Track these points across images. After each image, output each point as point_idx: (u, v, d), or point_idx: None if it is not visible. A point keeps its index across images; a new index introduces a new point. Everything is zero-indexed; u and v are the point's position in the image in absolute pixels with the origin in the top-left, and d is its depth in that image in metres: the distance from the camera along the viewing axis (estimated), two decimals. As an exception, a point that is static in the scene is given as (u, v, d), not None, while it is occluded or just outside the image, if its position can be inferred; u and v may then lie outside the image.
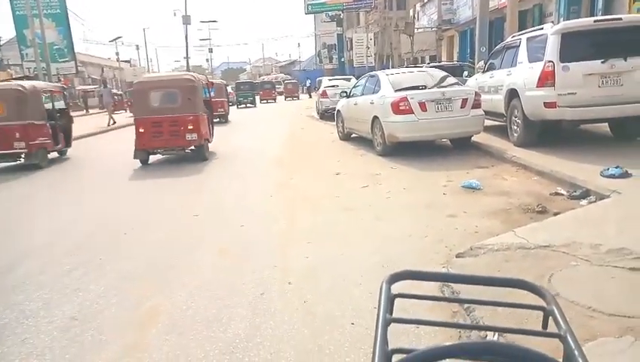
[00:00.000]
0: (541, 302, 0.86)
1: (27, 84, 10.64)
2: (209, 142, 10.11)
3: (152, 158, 9.58)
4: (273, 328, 2.82)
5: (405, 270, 1.17)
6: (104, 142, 15.12)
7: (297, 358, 2.52)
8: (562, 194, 5.13)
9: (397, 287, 0.97)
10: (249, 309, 3.07)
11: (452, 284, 2.83)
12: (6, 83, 12.29)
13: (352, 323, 2.80)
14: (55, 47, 29.70)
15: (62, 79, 30.20)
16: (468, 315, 2.68)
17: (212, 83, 13.16)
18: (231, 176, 7.98)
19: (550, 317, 0.82)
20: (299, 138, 12.92)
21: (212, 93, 12.40)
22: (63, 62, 30.83)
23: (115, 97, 26.75)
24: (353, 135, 10.79)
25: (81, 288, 3.56)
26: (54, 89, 11.80)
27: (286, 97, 39.27)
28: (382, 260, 3.74)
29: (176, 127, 9.07)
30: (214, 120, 12.37)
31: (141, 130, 9.08)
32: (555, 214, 4.45)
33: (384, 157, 8.24)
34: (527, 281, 1.09)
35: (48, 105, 10.81)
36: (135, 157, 9.22)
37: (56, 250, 4.53)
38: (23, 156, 9.66)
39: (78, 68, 34.28)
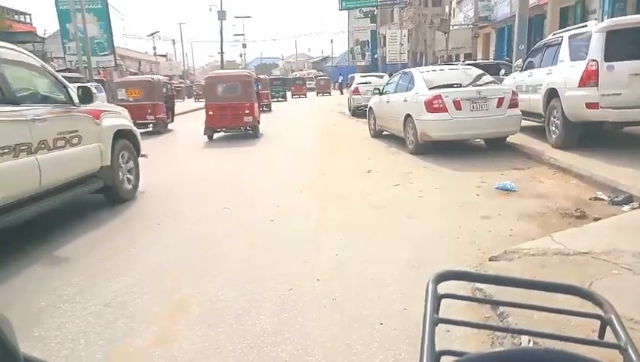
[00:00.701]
0: (597, 310, 0.82)
1: (154, 77, 16.34)
2: (259, 123, 12.92)
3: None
4: (301, 324, 2.81)
5: (451, 270, 1.13)
6: (183, 120, 18.25)
7: (324, 356, 2.50)
8: (603, 199, 4.93)
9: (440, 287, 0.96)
10: (277, 304, 3.07)
11: (484, 287, 2.75)
12: (141, 76, 18.92)
13: (381, 323, 2.76)
14: (96, 40, 30.54)
15: (101, 72, 31.11)
16: (501, 321, 2.61)
17: (260, 78, 17.23)
18: (272, 157, 9.60)
19: (608, 327, 0.77)
20: (331, 134, 12.90)
21: (260, 87, 15.91)
22: (103, 55, 31.65)
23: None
24: (385, 133, 10.68)
25: (118, 274, 3.64)
26: (167, 81, 17.05)
27: (318, 93, 39.89)
28: (412, 260, 3.68)
29: (236, 110, 11.98)
30: (262, 107, 16.74)
31: (210, 113, 12.11)
32: (595, 220, 4.28)
33: (416, 156, 8.12)
34: (581, 287, 1.04)
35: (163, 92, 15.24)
36: (204, 133, 12.27)
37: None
38: (151, 125, 14.21)
39: (117, 61, 35.20)
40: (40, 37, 34.83)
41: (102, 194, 5.81)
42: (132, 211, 5.68)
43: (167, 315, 3.02)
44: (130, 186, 6.19)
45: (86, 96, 5.27)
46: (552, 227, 4.18)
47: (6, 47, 4.37)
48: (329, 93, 40.07)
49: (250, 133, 12.83)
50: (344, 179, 6.88)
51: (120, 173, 5.91)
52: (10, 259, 4.10)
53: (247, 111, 12.03)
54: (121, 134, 5.97)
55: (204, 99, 13.89)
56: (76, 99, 5.19)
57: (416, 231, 4.41)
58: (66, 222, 5.18)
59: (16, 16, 38.22)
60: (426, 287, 1.05)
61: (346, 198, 5.79)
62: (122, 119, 6.22)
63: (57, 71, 16.39)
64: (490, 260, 3.43)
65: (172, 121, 16.12)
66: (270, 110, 22.84)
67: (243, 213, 5.39)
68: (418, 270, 3.50)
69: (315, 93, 40.53)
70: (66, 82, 5.23)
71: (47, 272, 3.81)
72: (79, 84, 6.30)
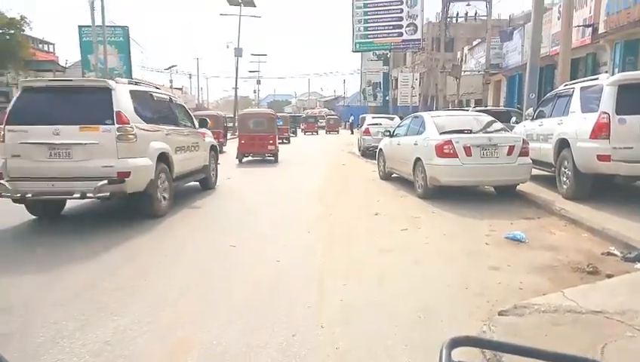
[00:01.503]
0: None
1: (220, 112, 24.38)
2: (278, 151, 16.15)
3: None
4: (303, 374, 2.73)
5: (467, 336, 1.10)
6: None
7: (326, 410, 2.41)
8: (615, 255, 4.83)
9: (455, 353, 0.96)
10: (279, 351, 2.99)
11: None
12: (211, 111, 26.67)
13: (385, 377, 2.67)
14: (115, 72, 31.40)
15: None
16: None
17: (282, 116, 25.48)
18: (283, 192, 9.88)
19: None
20: (340, 173, 12.95)
21: (281, 123, 22.18)
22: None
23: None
24: (394, 175, 10.69)
25: (121, 309, 3.59)
26: (224, 115, 23.03)
27: (327, 131, 42.88)
28: (419, 309, 3.59)
29: (262, 141, 15.57)
30: (281, 141, 21.61)
31: (242, 141, 15.72)
32: (608, 276, 4.18)
33: (425, 200, 8.08)
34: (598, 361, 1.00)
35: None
36: (237, 157, 15.88)
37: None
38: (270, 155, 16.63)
39: (134, 92, 36.05)
40: (61, 66, 35.90)
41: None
42: (144, 240, 5.66)
43: (166, 358, 2.95)
44: (214, 179, 10.06)
45: (201, 124, 9.32)
46: (564, 282, 4.09)
47: (174, 96, 9.15)
48: (337, 131, 42.84)
49: (271, 159, 16.12)
50: (352, 221, 6.84)
51: (211, 171, 9.74)
52: (15, 285, 4.07)
53: (270, 142, 15.66)
54: (212, 147, 9.86)
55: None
56: (196, 125, 9.11)
57: (424, 279, 4.33)
58: (68, 252, 5.17)
59: (40, 45, 39.52)
60: (439, 353, 1.01)
61: (353, 241, 5.74)
62: (212, 138, 10.24)
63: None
64: (499, 314, 3.33)
65: (225, 144, 20.94)
66: (289, 142, 26.95)
67: (249, 251, 5.34)
68: (424, 321, 3.41)
69: (324, 130, 42.90)
70: (192, 115, 9.30)
71: (50, 304, 3.77)
72: (199, 117, 9.81)
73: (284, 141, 25.32)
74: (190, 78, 62.37)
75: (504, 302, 3.58)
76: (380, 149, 11.46)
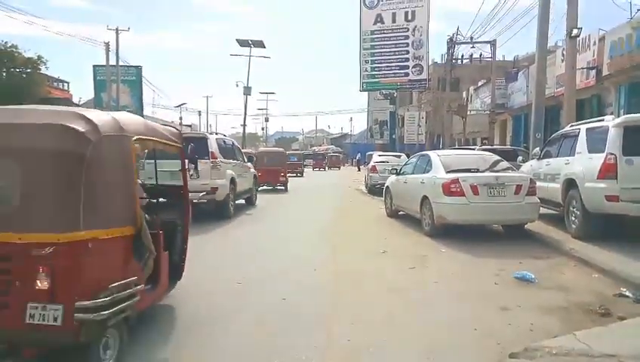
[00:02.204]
0: None
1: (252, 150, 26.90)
2: (287, 182, 19.92)
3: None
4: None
5: None
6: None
7: None
8: (627, 296, 4.74)
9: None
10: (285, 392, 2.93)
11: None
12: (278, 148, 28.45)
13: (394, 422, 2.61)
14: (127, 109, 32.12)
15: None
16: None
17: (293, 153, 31.68)
18: (289, 229, 9.99)
19: None
20: (346, 211, 12.95)
21: (295, 159, 29.02)
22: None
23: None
24: (401, 212, 10.68)
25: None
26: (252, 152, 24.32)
27: (329, 167, 46.65)
28: (427, 351, 3.53)
29: (275, 173, 19.12)
30: (296, 174, 27.61)
31: (259, 174, 16.72)
32: (620, 319, 4.10)
33: (432, 239, 8.04)
34: None
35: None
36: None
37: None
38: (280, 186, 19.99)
39: (144, 129, 36.74)
40: (75, 104, 36.77)
41: None
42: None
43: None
44: (254, 198, 13.59)
45: (249, 159, 13.99)
46: (575, 323, 4.01)
47: (234, 142, 13.30)
48: (338, 167, 47.22)
49: (281, 188, 19.33)
50: (359, 258, 6.80)
51: (254, 193, 13.36)
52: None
53: (282, 174, 19.45)
54: (254, 176, 13.61)
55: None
56: (245, 159, 13.14)
57: (432, 320, 4.26)
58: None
59: (55, 84, 40.67)
60: None
61: (361, 279, 5.69)
62: (254, 170, 13.97)
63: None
64: (510, 357, 3.27)
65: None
66: (303, 175, 30.30)
67: (255, 289, 5.30)
68: (433, 363, 3.35)
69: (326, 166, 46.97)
70: (242, 152, 13.50)
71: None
72: (248, 155, 15.13)
73: (298, 175, 29.12)
74: (199, 115, 63.48)
75: (514, 344, 3.51)
76: (387, 187, 11.49)
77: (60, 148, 2.80)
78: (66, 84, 44.53)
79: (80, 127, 2.86)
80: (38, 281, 2.64)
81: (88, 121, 2.95)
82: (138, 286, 3.15)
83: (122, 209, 3.16)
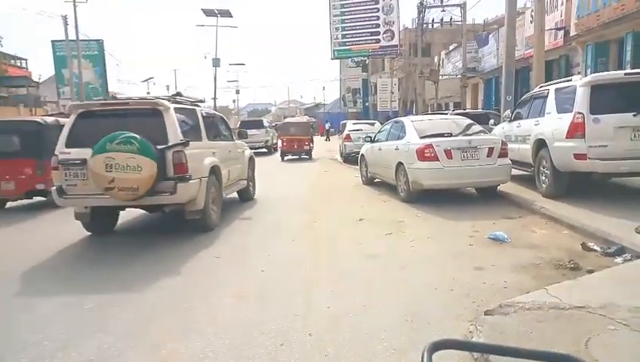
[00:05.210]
0: None
1: (307, 119, 25.92)
2: (312, 150, 20.88)
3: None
4: (292, 383, 2.71)
5: (447, 339, 1.12)
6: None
7: (317, 419, 2.39)
8: (595, 251, 4.92)
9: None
10: (268, 361, 2.96)
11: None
12: (303, 118, 26.71)
13: (376, 383, 2.67)
14: (90, 85, 31.04)
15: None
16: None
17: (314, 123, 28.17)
18: (264, 201, 9.01)
19: None
20: (322, 180, 12.97)
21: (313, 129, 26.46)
22: (97, 100, 32.15)
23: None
24: (376, 180, 10.75)
25: (104, 325, 3.51)
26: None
27: None
28: (406, 313, 3.60)
29: (300, 142, 20.32)
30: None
31: (284, 143, 20.58)
32: (589, 272, 4.26)
33: (408, 204, 8.14)
34: (577, 357, 1.03)
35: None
36: (281, 155, 20.97)
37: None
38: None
39: (111, 106, 35.66)
40: (34, 81, 35.28)
41: None
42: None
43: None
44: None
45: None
46: (547, 279, 4.15)
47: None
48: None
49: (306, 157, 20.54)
50: (336, 227, 6.84)
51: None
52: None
53: (307, 143, 20.46)
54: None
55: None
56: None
57: (410, 283, 4.34)
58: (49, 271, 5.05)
59: (12, 61, 38.81)
60: (421, 357, 1.02)
61: (338, 247, 5.74)
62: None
63: (51, 115, 16.69)
64: (485, 314, 3.36)
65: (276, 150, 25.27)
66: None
67: (233, 262, 5.30)
68: (412, 324, 3.42)
69: None
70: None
71: (31, 323, 3.67)
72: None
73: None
74: (168, 90, 61.77)
75: (490, 302, 3.62)
76: (362, 155, 11.51)
77: None
78: (24, 62, 42.60)
79: None
80: None
81: None
82: None
83: None
